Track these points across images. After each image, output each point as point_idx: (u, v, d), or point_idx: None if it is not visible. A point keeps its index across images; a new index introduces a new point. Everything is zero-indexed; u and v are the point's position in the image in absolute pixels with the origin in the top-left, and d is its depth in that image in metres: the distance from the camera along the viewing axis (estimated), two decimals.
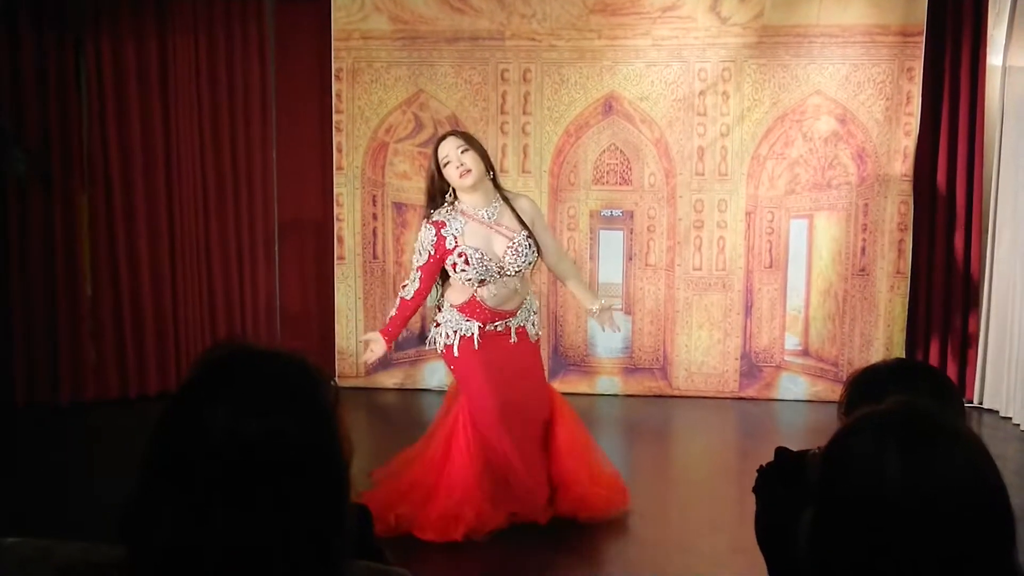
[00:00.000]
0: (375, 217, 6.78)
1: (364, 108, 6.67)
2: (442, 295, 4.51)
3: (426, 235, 4.34)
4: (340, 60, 6.65)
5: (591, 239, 6.68)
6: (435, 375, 6.83)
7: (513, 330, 4.44)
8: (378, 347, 4.49)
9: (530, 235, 4.36)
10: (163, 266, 6.51)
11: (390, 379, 6.86)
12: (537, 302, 4.69)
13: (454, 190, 4.35)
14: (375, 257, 6.81)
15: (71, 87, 6.29)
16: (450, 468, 4.39)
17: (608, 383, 6.69)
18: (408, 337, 6.85)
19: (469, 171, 4.27)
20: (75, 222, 6.36)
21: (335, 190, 6.74)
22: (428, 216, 4.40)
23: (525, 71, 6.56)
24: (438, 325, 4.50)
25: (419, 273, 4.39)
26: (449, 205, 4.36)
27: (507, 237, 4.33)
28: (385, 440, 6.02)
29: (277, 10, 6.74)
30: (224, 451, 1.27)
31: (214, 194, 6.67)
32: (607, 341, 6.73)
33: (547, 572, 4.14)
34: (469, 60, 6.59)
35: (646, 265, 6.68)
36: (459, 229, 4.31)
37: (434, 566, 4.12)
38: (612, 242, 6.69)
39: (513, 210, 4.39)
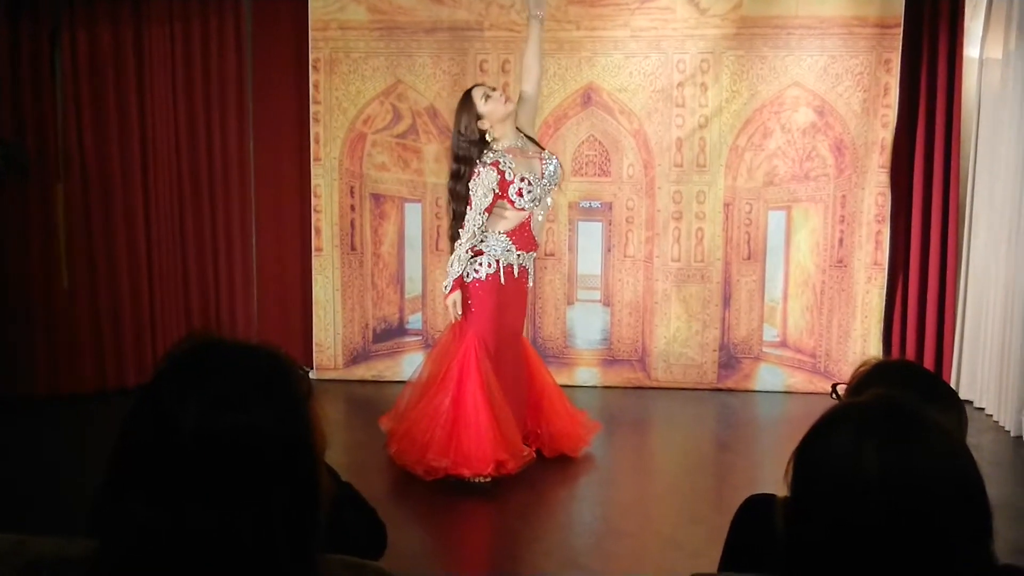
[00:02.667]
0: (353, 208, 6.75)
1: (342, 99, 6.64)
2: (483, 230, 4.92)
3: (489, 176, 4.81)
4: (317, 50, 6.61)
5: (570, 230, 6.68)
6: (413, 367, 6.81)
7: (530, 270, 5.07)
8: (460, 303, 4.95)
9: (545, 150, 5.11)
10: (140, 258, 6.47)
11: (368, 371, 6.84)
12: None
13: (483, 136, 4.87)
14: (353, 249, 6.78)
15: (46, 77, 6.23)
16: (469, 408, 4.80)
17: (587, 375, 6.69)
18: (386, 329, 6.84)
19: (509, 97, 4.96)
20: (51, 213, 6.31)
21: (312, 181, 6.71)
22: (471, 163, 4.87)
23: (504, 62, 6.54)
24: (478, 254, 4.92)
25: (485, 215, 4.84)
26: (489, 150, 4.88)
27: (538, 157, 4.99)
28: (363, 432, 6.01)
29: (254, 0, 6.70)
30: (195, 445, 1.25)
31: (190, 185, 6.63)
32: (586, 333, 6.74)
33: (524, 564, 4.14)
34: (448, 51, 6.57)
35: (625, 256, 6.68)
36: (511, 162, 4.86)
37: (411, 553, 4.12)
38: (591, 233, 6.69)
39: (527, 137, 5.04)
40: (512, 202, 4.86)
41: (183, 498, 1.25)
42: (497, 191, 4.82)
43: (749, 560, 1.86)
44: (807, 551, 1.38)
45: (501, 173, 4.82)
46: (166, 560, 1.25)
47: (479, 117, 4.86)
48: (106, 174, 6.34)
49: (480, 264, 4.92)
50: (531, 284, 5.16)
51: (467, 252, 4.87)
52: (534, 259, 5.13)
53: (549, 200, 5.05)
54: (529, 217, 4.95)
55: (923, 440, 1.35)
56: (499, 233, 4.92)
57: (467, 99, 4.92)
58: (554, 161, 5.02)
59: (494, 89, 4.95)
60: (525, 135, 5.04)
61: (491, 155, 4.86)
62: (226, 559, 1.26)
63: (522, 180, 4.83)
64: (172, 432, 1.26)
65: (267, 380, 1.34)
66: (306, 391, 1.38)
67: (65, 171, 6.31)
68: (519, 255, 4.96)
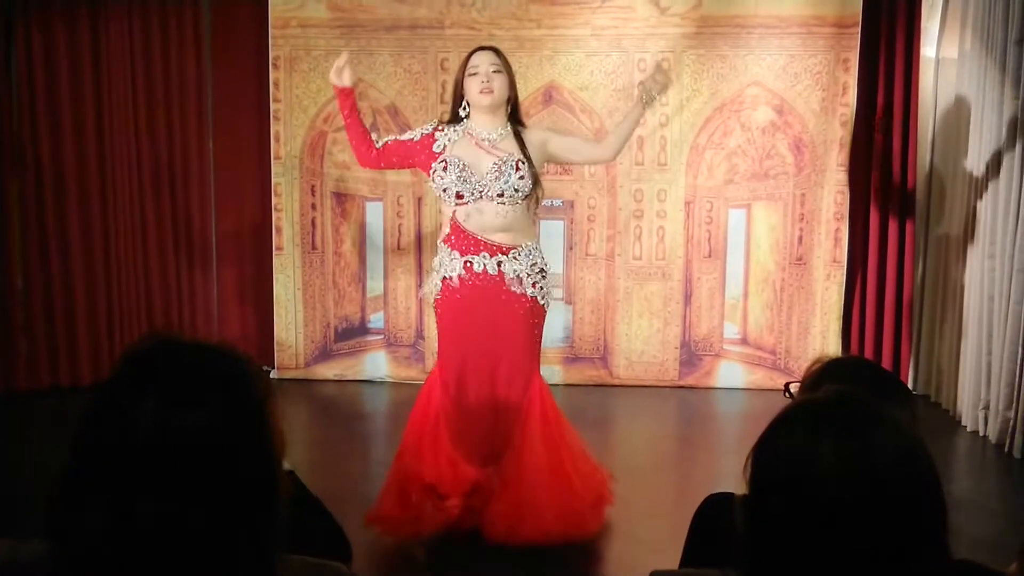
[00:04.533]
0: (314, 207, 6.72)
1: (302, 97, 6.61)
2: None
3: (425, 127, 4.27)
4: (278, 48, 6.57)
5: None
6: (375, 366, 6.79)
7: (510, 275, 4.15)
8: (342, 60, 4.22)
9: (525, 162, 4.12)
10: (96, 255, 6.41)
11: (330, 370, 6.81)
12: (546, 263, 4.30)
13: (468, 105, 4.18)
14: (314, 248, 6.75)
15: (1, 74, 6.15)
16: (430, 452, 4.22)
17: (549, 372, 6.66)
18: (348, 328, 6.81)
19: (491, 91, 4.11)
20: (5, 212, 6.23)
21: (273, 180, 6.67)
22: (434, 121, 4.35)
23: None
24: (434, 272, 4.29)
25: (392, 138, 4.28)
26: (455, 119, 4.22)
27: (496, 156, 4.12)
28: (324, 432, 5.99)
29: None
30: (153, 445, 1.25)
31: (149, 183, 6.57)
32: (547, 332, 6.72)
33: (485, 560, 4.13)
34: (408, 49, 6.55)
35: (586, 255, 6.69)
36: (456, 139, 4.17)
37: (374, 554, 4.10)
38: (553, 232, 6.69)
39: (519, 140, 4.18)
40: (428, 175, 4.21)
41: (140, 498, 1.24)
42: (416, 139, 4.20)
43: (709, 557, 1.87)
44: (765, 547, 1.38)
45: (433, 138, 4.17)
46: (123, 561, 1.24)
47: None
48: (61, 171, 6.27)
49: (430, 282, 4.28)
50: (524, 289, 4.19)
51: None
52: (531, 272, 4.20)
53: (497, 210, 4.12)
54: (455, 214, 4.18)
55: (880, 435, 1.36)
56: (440, 242, 4.27)
57: (467, 59, 4.21)
58: (509, 170, 4.09)
59: (496, 72, 4.13)
60: (518, 137, 4.20)
61: (442, 123, 4.26)
62: (184, 559, 1.25)
63: (442, 162, 4.12)
64: (129, 431, 1.25)
65: (226, 379, 1.33)
66: (265, 390, 1.37)
67: (20, 169, 6.24)
68: (467, 260, 4.14)
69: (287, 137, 6.63)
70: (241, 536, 1.28)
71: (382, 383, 6.75)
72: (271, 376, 6.72)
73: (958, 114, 6.08)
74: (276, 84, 6.59)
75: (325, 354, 6.82)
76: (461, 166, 4.09)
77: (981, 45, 5.67)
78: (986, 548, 3.91)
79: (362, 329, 6.84)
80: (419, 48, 6.54)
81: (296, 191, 6.68)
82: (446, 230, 4.26)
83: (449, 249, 4.18)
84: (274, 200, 6.69)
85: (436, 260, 4.26)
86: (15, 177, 6.25)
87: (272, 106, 6.61)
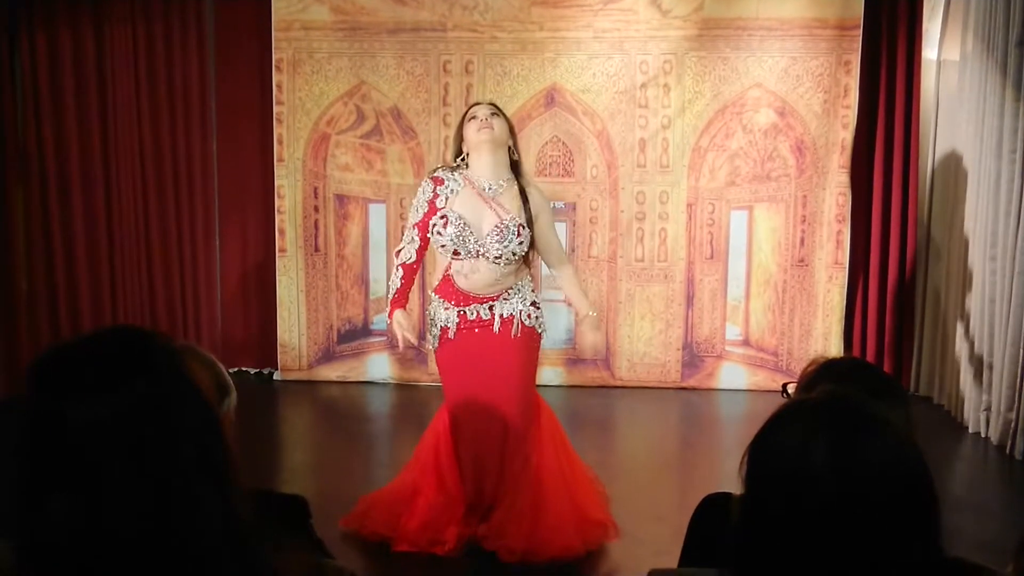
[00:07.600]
0: (317, 209, 6.74)
1: (305, 99, 6.62)
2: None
3: (424, 189, 4.12)
4: (280, 51, 6.59)
5: None
6: (377, 367, 6.81)
7: (497, 318, 4.09)
8: (405, 322, 4.14)
9: (526, 224, 4.05)
10: (101, 259, 6.43)
11: (333, 372, 6.82)
12: (536, 296, 4.24)
13: (466, 156, 4.12)
14: (317, 250, 6.76)
15: (5, 79, 6.18)
16: (433, 476, 4.20)
17: (552, 374, 6.71)
18: (351, 330, 6.82)
19: (491, 128, 4.05)
20: (10, 216, 6.25)
21: (276, 182, 6.69)
22: (430, 171, 4.25)
23: (467, 63, 6.55)
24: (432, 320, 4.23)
25: (415, 231, 4.12)
26: (454, 169, 4.14)
27: (498, 217, 4.02)
28: (327, 434, 6.00)
29: (216, 0, 6.66)
30: (80, 441, 1.23)
31: (153, 187, 6.59)
32: (550, 333, 6.73)
33: (488, 561, 4.14)
34: (411, 51, 6.57)
35: (589, 257, 6.71)
36: (454, 191, 4.07)
37: (383, 560, 4.11)
38: None
39: (522, 195, 4.11)
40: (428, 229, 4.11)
41: (89, 495, 1.23)
42: (428, 211, 4.08)
43: (707, 556, 1.88)
44: (759, 545, 1.40)
45: (436, 195, 4.07)
46: (82, 559, 1.23)
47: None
48: (66, 177, 6.30)
49: (429, 331, 4.23)
50: (519, 322, 4.11)
51: (397, 269, 4.18)
52: (523, 307, 4.13)
53: (493, 270, 4.04)
54: (449, 268, 4.09)
55: (871, 435, 1.38)
56: (432, 292, 4.20)
57: (466, 111, 4.21)
58: (510, 235, 4.00)
59: (494, 115, 4.10)
60: (520, 189, 4.12)
61: (444, 171, 4.15)
62: (143, 553, 1.23)
63: (442, 217, 4.03)
64: (58, 434, 1.25)
65: (123, 354, 1.29)
66: (177, 362, 1.32)
67: (25, 174, 6.26)
68: (460, 310, 4.09)
69: (290, 140, 6.65)
70: (195, 525, 1.26)
71: (385, 385, 6.77)
72: (275, 378, 6.74)
73: (959, 116, 6.09)
74: (279, 87, 6.61)
75: (328, 356, 6.84)
76: (461, 224, 4.01)
77: (982, 47, 5.68)
78: (987, 549, 3.92)
79: (365, 331, 6.85)
80: (421, 51, 6.55)
81: (299, 193, 6.70)
82: (438, 278, 4.17)
83: (441, 299, 4.13)
84: (277, 202, 6.70)
85: (430, 310, 4.20)
86: (20, 181, 6.27)
87: (275, 109, 6.63)
